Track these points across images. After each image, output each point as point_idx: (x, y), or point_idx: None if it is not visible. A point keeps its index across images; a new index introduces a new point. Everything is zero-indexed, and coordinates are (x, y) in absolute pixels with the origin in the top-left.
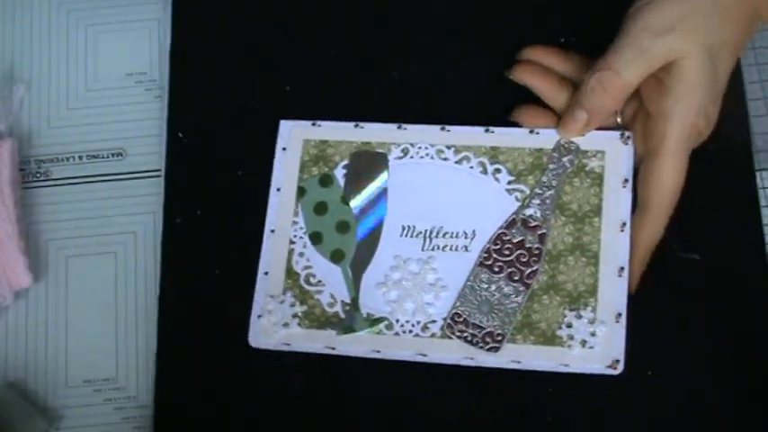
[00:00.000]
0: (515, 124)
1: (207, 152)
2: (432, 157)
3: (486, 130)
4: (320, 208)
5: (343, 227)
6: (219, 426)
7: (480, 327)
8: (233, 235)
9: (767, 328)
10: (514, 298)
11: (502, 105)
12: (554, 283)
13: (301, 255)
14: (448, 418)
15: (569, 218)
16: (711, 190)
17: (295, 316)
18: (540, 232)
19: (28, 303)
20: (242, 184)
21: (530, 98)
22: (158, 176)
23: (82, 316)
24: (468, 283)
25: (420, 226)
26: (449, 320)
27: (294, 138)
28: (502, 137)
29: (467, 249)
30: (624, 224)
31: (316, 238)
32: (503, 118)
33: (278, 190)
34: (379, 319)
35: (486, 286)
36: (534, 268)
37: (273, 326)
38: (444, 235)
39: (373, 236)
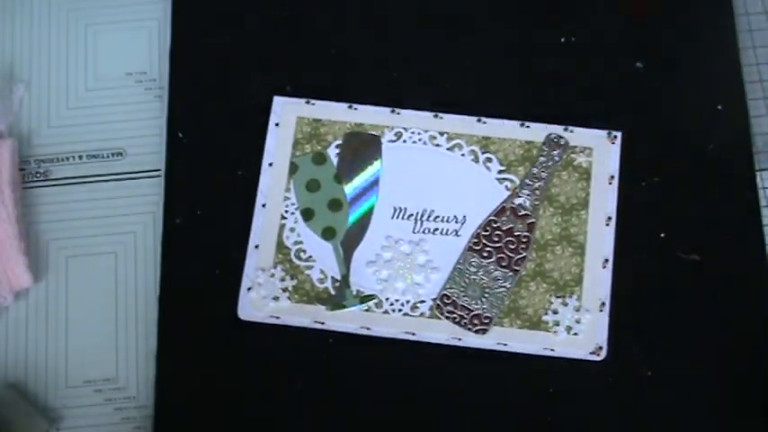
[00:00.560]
0: (507, 116)
1: (207, 152)
2: (424, 143)
3: (479, 120)
4: (313, 185)
5: (335, 205)
6: (219, 426)
7: (468, 309)
8: (233, 235)
9: (767, 328)
10: (502, 283)
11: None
12: (541, 270)
13: (292, 230)
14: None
15: (557, 209)
16: (711, 190)
17: (285, 290)
18: (528, 221)
19: (28, 303)
20: (242, 183)
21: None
22: (158, 176)
23: (82, 316)
24: (458, 266)
25: (411, 208)
26: (438, 301)
27: (287, 114)
28: (494, 127)
29: (457, 234)
30: (610, 218)
31: (307, 215)
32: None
33: (270, 165)
34: (369, 297)
35: (475, 270)
36: (522, 255)
37: (263, 299)
38: (435, 219)
39: (365, 216)
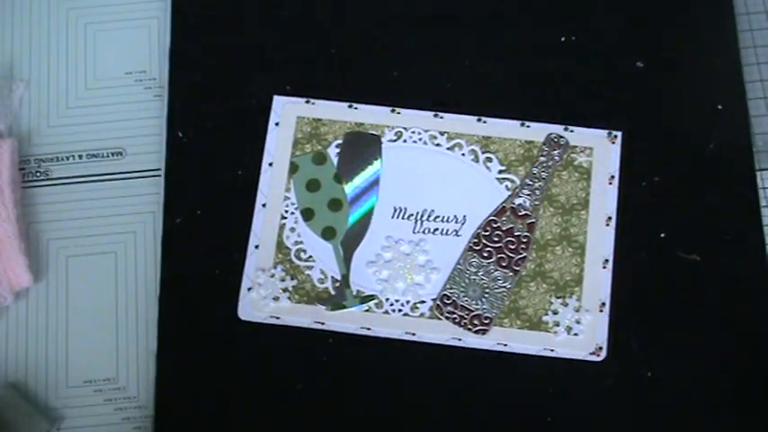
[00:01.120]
0: (507, 116)
1: (207, 152)
2: (425, 143)
3: (479, 120)
4: (313, 185)
5: (335, 205)
6: (219, 426)
7: (469, 309)
8: (233, 235)
9: (767, 328)
10: (502, 283)
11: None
12: (541, 270)
13: (292, 230)
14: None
15: (557, 209)
16: (711, 190)
17: (285, 290)
18: (528, 221)
19: (28, 303)
20: (242, 183)
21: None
22: (158, 176)
23: (82, 316)
24: (458, 266)
25: (411, 208)
26: (438, 302)
27: (287, 114)
28: (494, 127)
29: (457, 234)
30: (610, 218)
31: (307, 215)
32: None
33: (270, 165)
34: (369, 297)
35: (475, 270)
36: (522, 255)
37: (263, 299)
38: (435, 218)
39: (365, 216)
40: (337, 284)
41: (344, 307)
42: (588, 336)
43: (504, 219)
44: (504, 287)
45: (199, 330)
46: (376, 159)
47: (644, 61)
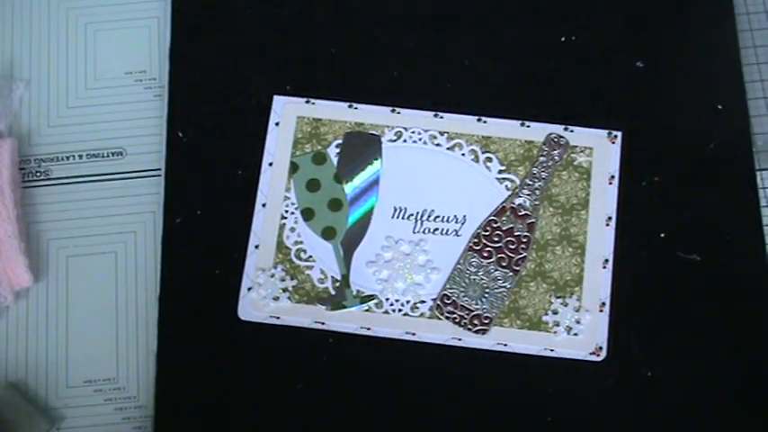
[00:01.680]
0: (507, 116)
1: (207, 152)
2: (424, 142)
3: (479, 120)
4: (313, 185)
5: (335, 205)
6: (219, 426)
7: (469, 309)
8: (233, 235)
9: (767, 328)
10: (502, 283)
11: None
12: (541, 270)
13: (292, 230)
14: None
15: (557, 209)
16: (711, 190)
17: (285, 290)
18: (528, 221)
19: (28, 303)
20: (242, 183)
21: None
22: (158, 176)
23: (82, 316)
24: (458, 266)
25: (411, 208)
26: (438, 302)
27: (287, 114)
28: (494, 127)
29: (457, 234)
30: (610, 218)
31: (307, 215)
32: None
33: (270, 165)
34: (369, 297)
35: (475, 270)
36: (522, 255)
37: (263, 299)
38: (435, 218)
39: (365, 216)
40: (337, 284)
41: (344, 307)
42: (588, 336)
43: (504, 219)
44: (504, 287)
45: (199, 330)
46: (376, 159)
47: (644, 61)
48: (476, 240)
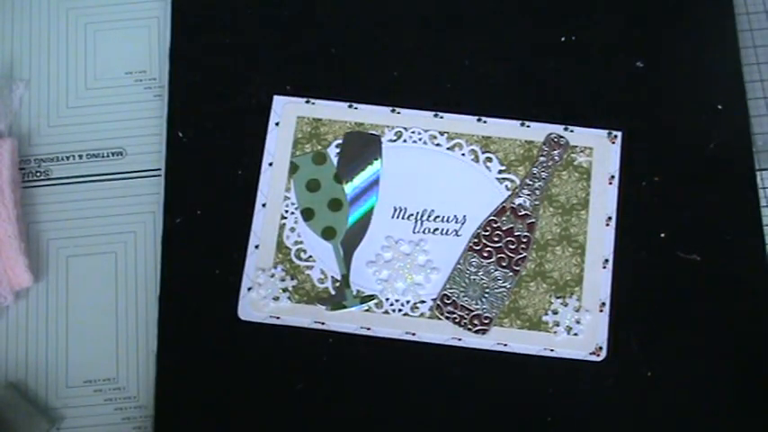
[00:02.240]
0: (507, 116)
1: (207, 152)
2: (424, 142)
3: (479, 120)
4: (313, 185)
5: (335, 205)
6: (219, 426)
7: (469, 309)
8: (233, 235)
9: (767, 328)
10: (502, 283)
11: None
12: (541, 270)
13: (292, 230)
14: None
15: (557, 209)
16: (711, 190)
17: (285, 290)
18: (528, 221)
19: (28, 303)
20: (242, 183)
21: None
22: (158, 176)
23: (82, 316)
24: (458, 266)
25: (411, 208)
26: (438, 302)
27: (287, 114)
28: (494, 127)
29: (457, 234)
30: (610, 218)
31: (307, 215)
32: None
33: (270, 165)
34: (369, 297)
35: (475, 270)
36: (522, 255)
37: (263, 299)
38: (435, 218)
39: (365, 216)
40: (337, 284)
41: (344, 307)
42: (588, 336)
43: (504, 219)
44: (504, 287)
45: (199, 330)
46: (376, 159)
47: (644, 61)
48: (476, 240)
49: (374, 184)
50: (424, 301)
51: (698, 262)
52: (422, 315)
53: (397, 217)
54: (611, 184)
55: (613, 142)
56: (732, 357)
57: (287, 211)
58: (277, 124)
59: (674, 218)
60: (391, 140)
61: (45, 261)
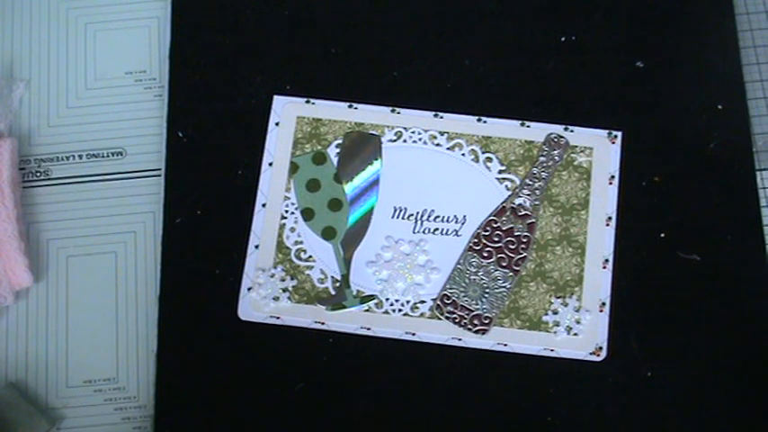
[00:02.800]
0: (507, 116)
1: (207, 152)
2: (424, 143)
3: (479, 120)
4: (313, 185)
5: (335, 205)
6: (219, 426)
7: (469, 309)
8: (233, 235)
9: (767, 327)
10: (502, 283)
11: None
12: (541, 270)
13: (292, 230)
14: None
15: (557, 209)
16: (711, 190)
17: (285, 290)
18: (528, 221)
19: (28, 303)
20: (242, 183)
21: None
22: (158, 176)
23: (82, 316)
24: (458, 266)
25: (411, 208)
26: (438, 302)
27: (287, 114)
28: (494, 127)
29: (457, 234)
30: (610, 218)
31: (307, 215)
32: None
33: (270, 165)
34: (369, 297)
35: (475, 270)
36: (522, 255)
37: (263, 299)
38: (435, 218)
39: (365, 216)
40: (337, 284)
41: (344, 307)
42: (588, 336)
43: (504, 219)
44: (504, 287)
45: (199, 330)
46: (376, 159)
47: (644, 61)
48: (476, 240)
49: (374, 184)
50: (424, 301)
51: (698, 262)
52: (422, 315)
53: (397, 217)
54: (611, 184)
55: (613, 142)
56: (732, 357)
57: (287, 211)
58: (277, 124)
59: (674, 218)
60: (391, 140)
61: (45, 261)
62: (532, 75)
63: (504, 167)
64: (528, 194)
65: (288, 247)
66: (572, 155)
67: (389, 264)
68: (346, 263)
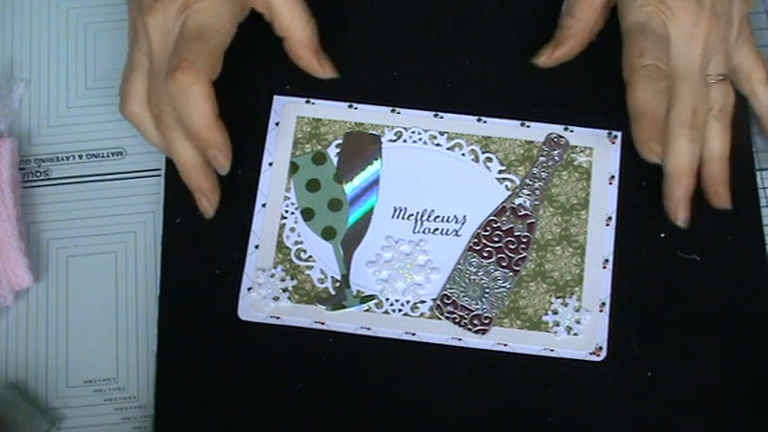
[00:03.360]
0: (507, 116)
1: None
2: (424, 143)
3: (479, 120)
4: (313, 185)
5: (335, 205)
6: (219, 426)
7: (469, 309)
8: (233, 235)
9: (767, 327)
10: (502, 283)
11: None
12: (541, 270)
13: (292, 230)
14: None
15: (557, 209)
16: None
17: (285, 290)
18: (528, 221)
19: (28, 303)
20: (242, 183)
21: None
22: (158, 176)
23: (82, 316)
24: (458, 266)
25: (411, 208)
26: (438, 302)
27: (287, 114)
28: (494, 127)
29: (457, 234)
30: (610, 219)
31: (307, 215)
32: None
33: (270, 165)
34: (369, 297)
35: (475, 270)
36: (522, 255)
37: (263, 299)
38: (435, 218)
39: (365, 216)
40: (337, 284)
41: (344, 307)
42: (588, 336)
43: (504, 219)
44: (504, 287)
45: (199, 330)
46: (376, 159)
47: None
48: (476, 240)
49: (374, 184)
50: (424, 301)
51: (698, 262)
52: (422, 315)
53: (397, 217)
54: (611, 184)
55: (613, 142)
56: (732, 357)
57: (287, 211)
58: (277, 124)
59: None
60: (391, 140)
61: (45, 261)
62: (532, 75)
63: (504, 167)
64: (528, 194)
65: (288, 247)
66: (572, 155)
67: (389, 264)
68: (346, 263)
